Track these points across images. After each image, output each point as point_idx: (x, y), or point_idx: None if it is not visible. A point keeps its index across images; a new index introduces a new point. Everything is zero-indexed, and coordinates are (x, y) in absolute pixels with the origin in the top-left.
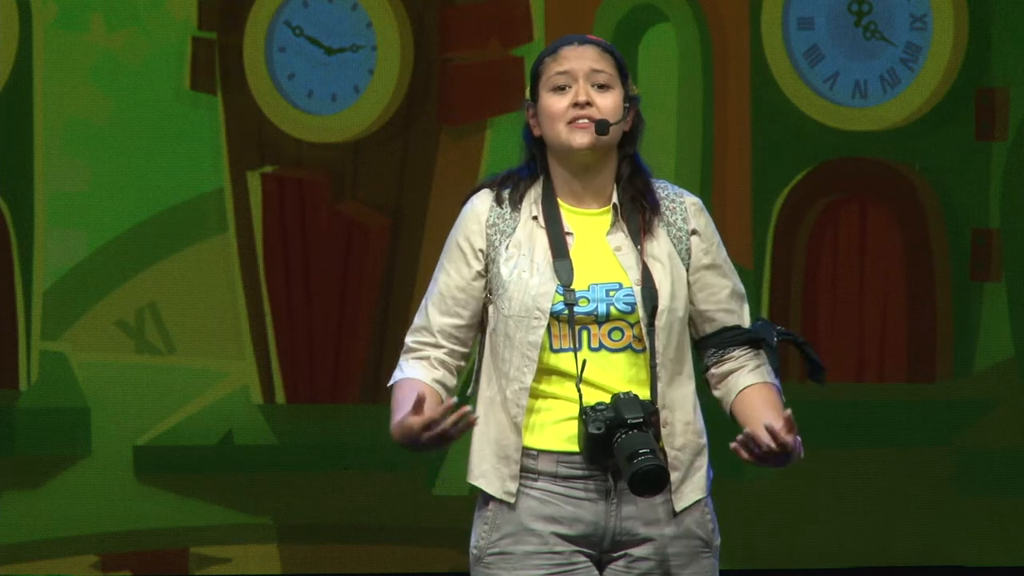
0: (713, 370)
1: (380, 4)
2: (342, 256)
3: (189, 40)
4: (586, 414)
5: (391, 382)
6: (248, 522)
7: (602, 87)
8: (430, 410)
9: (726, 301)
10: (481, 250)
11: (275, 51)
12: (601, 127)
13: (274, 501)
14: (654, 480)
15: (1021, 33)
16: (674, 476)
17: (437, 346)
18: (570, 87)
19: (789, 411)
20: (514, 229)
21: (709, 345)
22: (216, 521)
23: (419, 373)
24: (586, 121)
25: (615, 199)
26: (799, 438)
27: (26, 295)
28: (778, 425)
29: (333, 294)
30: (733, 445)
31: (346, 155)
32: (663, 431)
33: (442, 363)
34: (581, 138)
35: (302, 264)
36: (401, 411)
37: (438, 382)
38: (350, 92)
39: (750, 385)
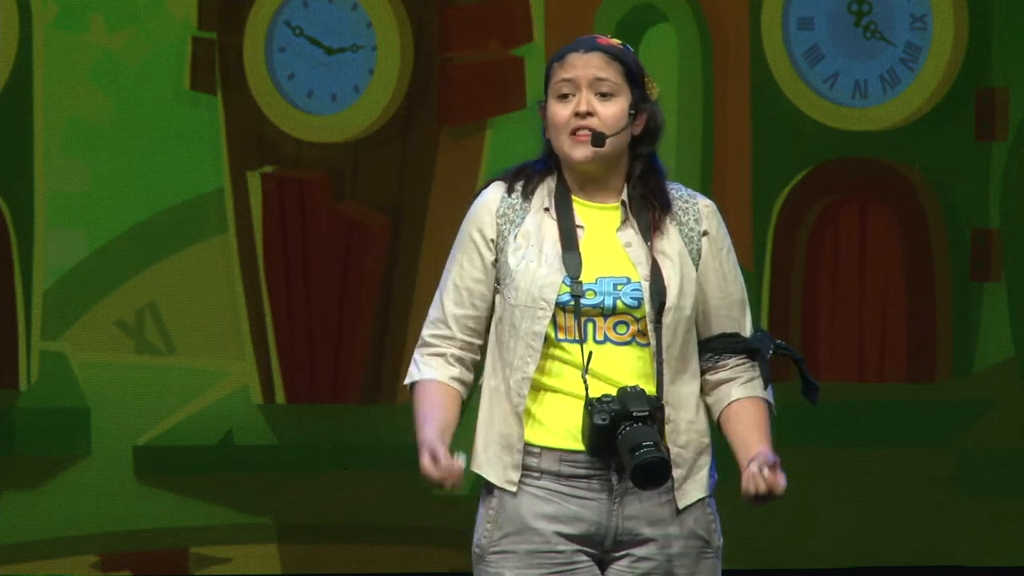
0: (707, 376)
1: (380, 4)
2: (342, 256)
3: (189, 40)
4: (592, 405)
5: (408, 380)
6: (248, 522)
7: (605, 95)
8: (439, 471)
9: (728, 307)
10: (492, 240)
11: (275, 51)
12: (597, 140)
13: (274, 501)
14: (656, 472)
15: (1021, 33)
16: (677, 473)
17: (452, 339)
18: (573, 95)
19: (766, 455)
20: (523, 219)
21: (706, 349)
22: (216, 521)
23: (436, 372)
24: (585, 133)
25: (624, 196)
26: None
27: (26, 295)
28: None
29: (333, 294)
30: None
31: (346, 155)
32: (667, 427)
33: (458, 359)
34: (580, 152)
35: (302, 264)
36: (426, 426)
37: (456, 379)
38: (350, 92)
39: (740, 399)
